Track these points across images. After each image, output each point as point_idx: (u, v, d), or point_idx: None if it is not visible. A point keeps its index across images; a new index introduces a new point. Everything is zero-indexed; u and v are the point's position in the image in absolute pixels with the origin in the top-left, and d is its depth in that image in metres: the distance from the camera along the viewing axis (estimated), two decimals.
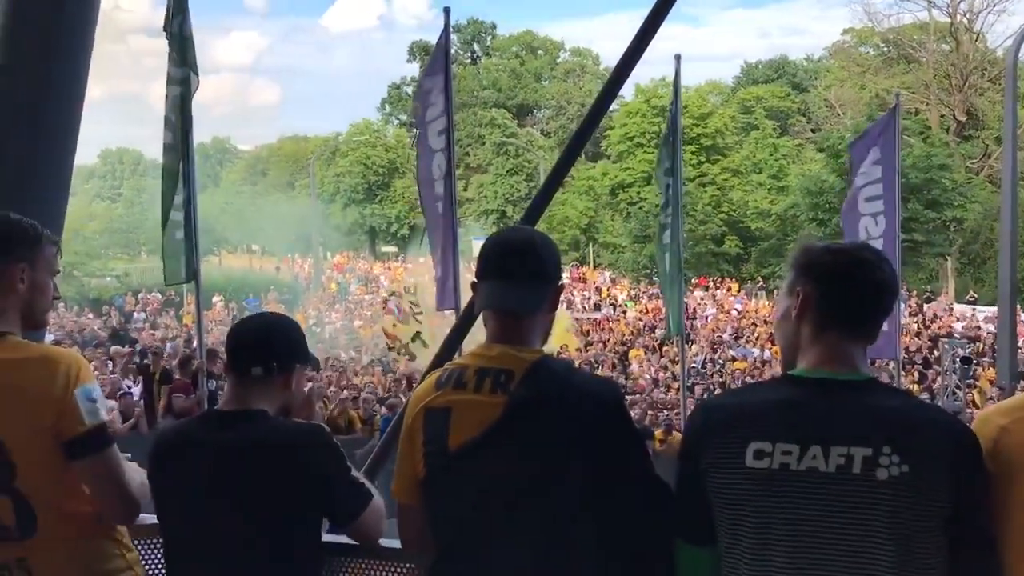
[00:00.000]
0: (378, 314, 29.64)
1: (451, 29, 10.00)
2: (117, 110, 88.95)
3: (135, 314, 30.36)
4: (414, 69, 65.61)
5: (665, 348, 25.01)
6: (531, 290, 1.97)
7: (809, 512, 1.64)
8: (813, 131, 52.01)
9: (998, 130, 34.16)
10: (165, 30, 8.40)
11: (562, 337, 25.00)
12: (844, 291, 1.78)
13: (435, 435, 1.94)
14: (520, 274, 1.96)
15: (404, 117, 66.69)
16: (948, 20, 44.07)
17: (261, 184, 66.10)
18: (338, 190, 56.90)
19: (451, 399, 1.94)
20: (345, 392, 13.15)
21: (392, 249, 49.43)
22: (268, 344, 2.21)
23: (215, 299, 31.02)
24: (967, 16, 43.97)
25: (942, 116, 42.99)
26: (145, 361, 12.91)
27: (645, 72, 50.27)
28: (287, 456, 2.06)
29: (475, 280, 2.04)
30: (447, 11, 10.14)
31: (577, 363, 24.61)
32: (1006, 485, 1.65)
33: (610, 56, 66.00)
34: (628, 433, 1.92)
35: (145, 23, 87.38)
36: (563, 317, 32.41)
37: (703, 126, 44.73)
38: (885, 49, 47.08)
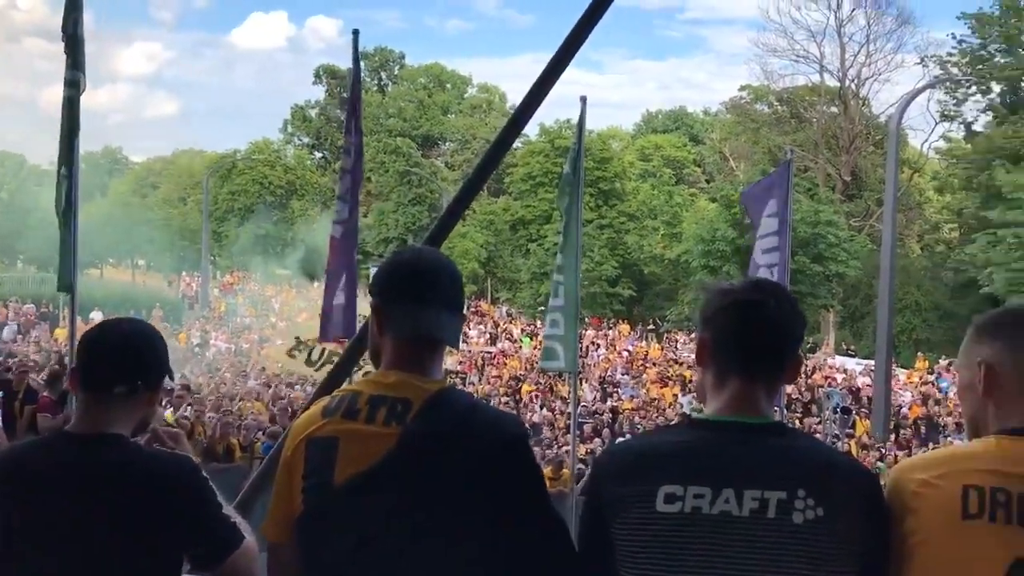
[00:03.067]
0: (267, 337, 28.82)
1: (360, 57, 9.85)
2: (3, 113, 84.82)
3: (6, 326, 28.69)
4: (320, 92, 65.01)
5: (557, 385, 25.12)
6: (449, 317, 1.86)
7: (722, 557, 1.57)
8: (707, 181, 53.75)
9: (879, 192, 35.97)
10: (63, 31, 7.99)
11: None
12: (735, 337, 1.72)
13: (318, 468, 1.77)
14: (439, 299, 1.84)
15: (307, 139, 65.83)
16: (838, 84, 46.39)
17: (151, 197, 63.87)
18: (232, 208, 55.49)
19: (339, 429, 1.78)
20: (226, 418, 12.59)
21: (286, 272, 48.39)
22: (135, 358, 1.97)
23: (93, 314, 29.58)
24: (855, 82, 46.40)
25: (828, 175, 45.03)
26: (8, 376, 12.03)
27: (550, 113, 51.10)
28: (150, 490, 1.83)
29: (376, 302, 1.89)
30: (355, 33, 10.02)
31: None
32: (914, 543, 1.61)
33: (517, 95, 66.81)
34: (531, 470, 1.81)
35: (42, 25, 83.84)
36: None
37: (603, 170, 45.63)
38: (779, 107, 49.15)
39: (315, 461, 1.78)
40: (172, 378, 2.14)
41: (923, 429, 22.20)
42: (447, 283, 1.87)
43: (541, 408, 22.43)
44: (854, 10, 45.44)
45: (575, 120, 12.10)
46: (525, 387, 25.78)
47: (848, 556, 1.58)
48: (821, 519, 1.57)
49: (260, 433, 12.07)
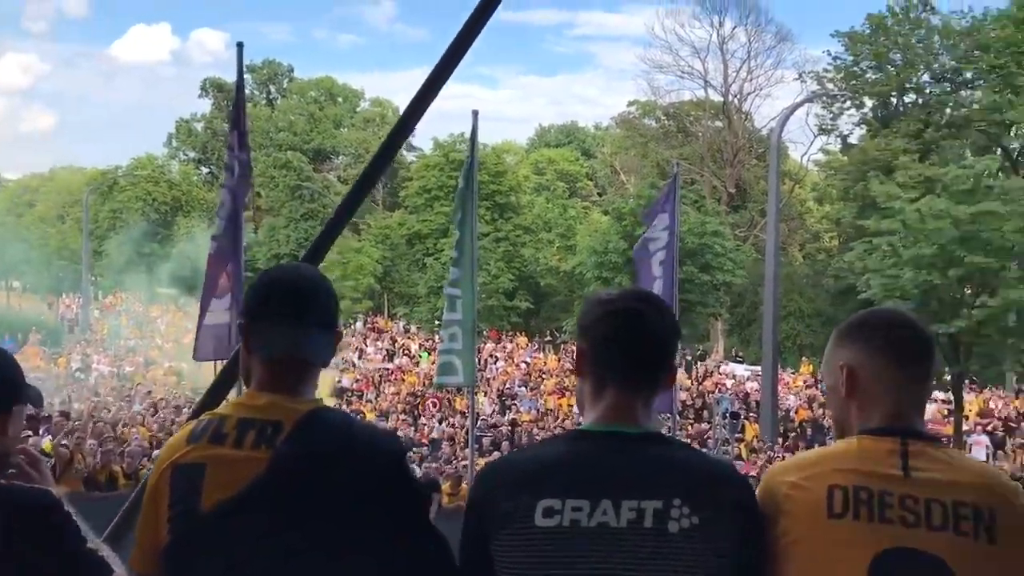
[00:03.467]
0: (152, 359, 27.76)
1: (246, 69, 9.64)
2: None
3: None
4: (206, 105, 63.33)
5: (456, 399, 25.03)
6: (323, 336, 1.80)
7: (601, 569, 1.56)
8: (599, 194, 54.73)
9: (763, 203, 37.27)
10: None
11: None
12: (612, 346, 1.72)
13: (184, 495, 1.68)
14: (311, 318, 1.78)
15: (192, 153, 63.99)
16: (722, 99, 48.00)
17: (27, 216, 60.86)
18: (114, 226, 53.36)
19: (206, 454, 1.69)
20: (107, 445, 12.04)
21: (171, 291, 46.76)
22: None
23: None
24: (738, 97, 48.12)
25: (715, 187, 46.47)
26: None
27: (443, 127, 51.21)
28: (4, 527, 1.71)
29: (246, 320, 1.81)
30: (240, 46, 9.81)
31: (368, 414, 24.17)
32: (786, 544, 1.64)
33: None
34: (410, 490, 1.77)
35: None
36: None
37: (498, 184, 45.91)
38: (666, 122, 50.49)
39: (181, 489, 1.69)
40: (35, 404, 2.01)
41: (809, 431, 23.06)
42: (322, 301, 1.81)
43: (440, 423, 22.31)
44: (735, 27, 47.24)
45: (469, 134, 12.16)
46: (423, 402, 25.61)
47: (723, 564, 1.59)
48: (697, 527, 1.58)
49: (145, 459, 11.58)
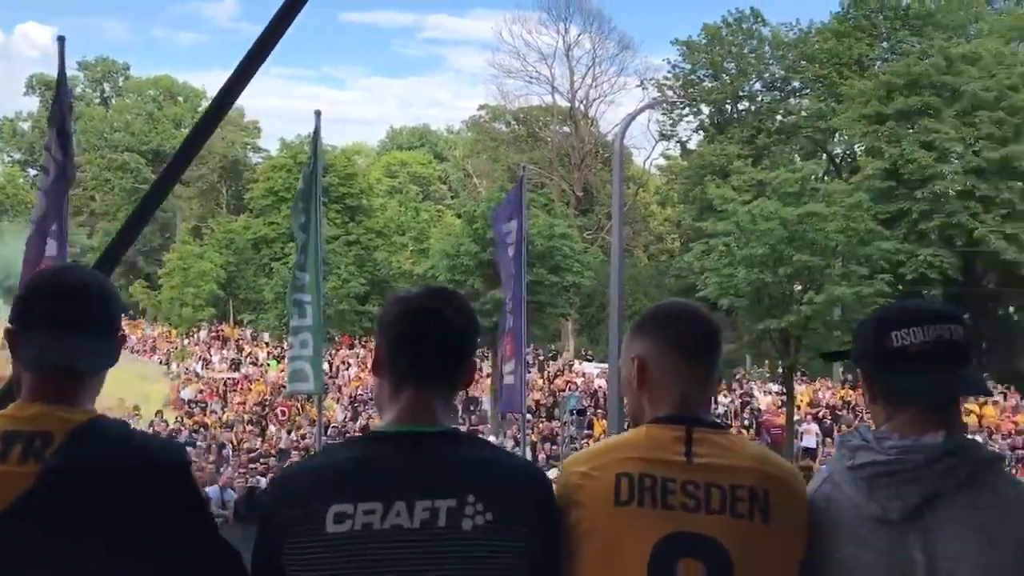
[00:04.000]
0: None
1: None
2: None
3: None
4: (33, 103, 59.47)
5: (307, 407, 24.47)
6: (97, 342, 1.69)
7: (397, 571, 1.55)
8: (452, 197, 54.86)
9: (609, 206, 38.31)
10: None
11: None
12: (410, 345, 1.71)
13: None
14: (80, 323, 1.66)
15: (18, 154, 59.96)
16: (568, 105, 49.05)
17: None
18: None
19: None
20: None
21: None
22: None
23: None
24: (584, 103, 49.31)
25: (563, 191, 47.44)
26: None
27: (291, 128, 50.03)
28: None
29: (10, 327, 1.69)
30: (61, 41, 9.22)
31: (212, 427, 23.25)
32: (580, 533, 1.68)
33: (253, 108, 64.68)
34: (194, 499, 1.69)
35: None
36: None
37: (349, 186, 45.23)
38: (516, 126, 51.16)
39: None
40: None
41: None
42: (93, 304, 1.70)
43: (289, 433, 21.75)
44: (580, 34, 48.40)
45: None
46: (272, 412, 24.91)
47: (520, 562, 1.60)
48: (491, 524, 1.58)
49: None
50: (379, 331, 1.76)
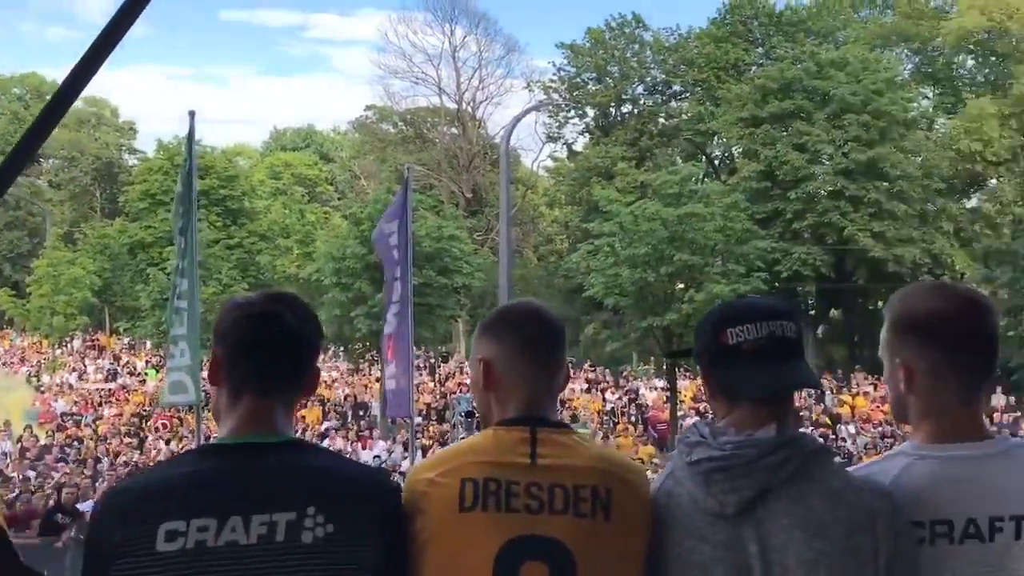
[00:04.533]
0: None
1: None
2: None
3: None
4: None
5: (188, 418, 23.64)
6: None
7: None
8: (339, 199, 54.04)
9: (498, 207, 38.48)
10: None
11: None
12: (248, 351, 1.66)
13: None
14: None
15: None
16: (456, 106, 49.05)
17: None
18: None
19: None
20: None
21: None
22: None
23: None
24: (471, 105, 49.39)
25: (452, 192, 47.41)
26: None
27: (170, 129, 48.38)
28: None
29: None
30: None
31: (87, 440, 22.18)
32: (423, 541, 1.65)
33: (129, 107, 62.31)
34: None
35: None
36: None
37: (230, 188, 43.99)
38: (403, 127, 50.84)
39: None
40: None
41: None
42: None
43: (167, 444, 20.97)
44: (466, 36, 48.44)
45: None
46: (151, 422, 23.98)
47: (362, 571, 1.57)
48: (332, 535, 1.55)
49: None
50: (215, 339, 1.70)
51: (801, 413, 23.99)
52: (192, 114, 11.49)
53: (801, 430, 1.74)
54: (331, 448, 21.08)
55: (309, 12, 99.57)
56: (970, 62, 39.67)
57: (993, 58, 38.12)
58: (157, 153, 47.27)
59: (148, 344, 39.62)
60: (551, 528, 1.63)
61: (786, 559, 1.59)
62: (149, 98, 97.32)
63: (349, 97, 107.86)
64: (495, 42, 48.82)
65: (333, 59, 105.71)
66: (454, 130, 49.66)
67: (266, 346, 1.66)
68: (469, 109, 49.19)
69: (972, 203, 37.44)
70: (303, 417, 25.07)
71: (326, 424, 23.76)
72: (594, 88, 42.90)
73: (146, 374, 32.56)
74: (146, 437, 22.74)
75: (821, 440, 1.70)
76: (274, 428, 1.65)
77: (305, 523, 1.54)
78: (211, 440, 1.71)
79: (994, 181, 36.28)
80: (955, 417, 1.70)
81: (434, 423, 24.38)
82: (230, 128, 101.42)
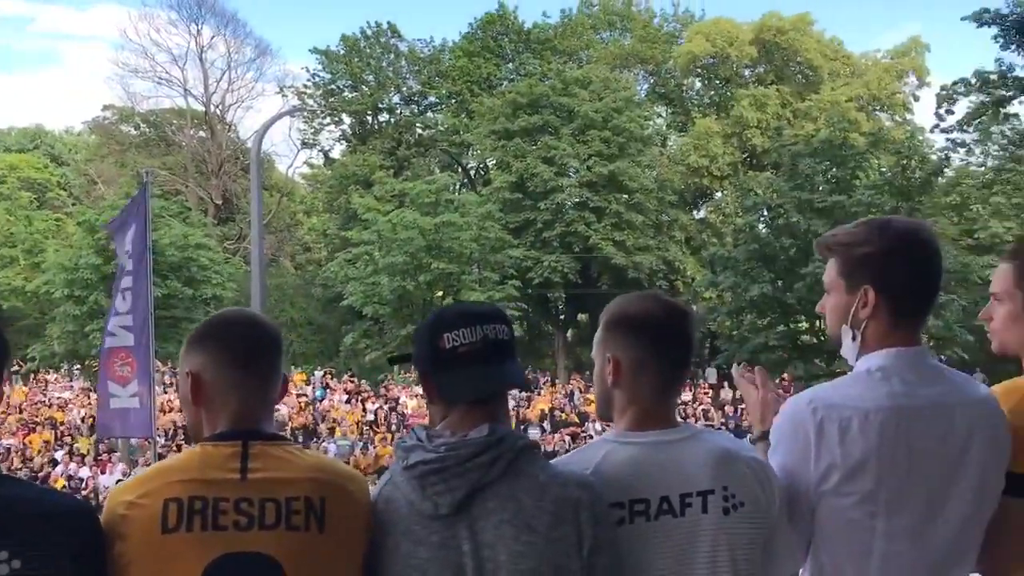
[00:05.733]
0: None
1: None
2: None
3: None
4: None
5: None
6: None
7: None
8: (73, 205, 49.82)
9: (250, 214, 37.15)
10: None
11: None
12: None
13: None
14: None
15: None
16: (203, 109, 46.78)
17: None
18: None
19: None
20: None
21: None
22: None
23: None
24: (220, 108, 47.31)
25: (201, 199, 45.18)
26: None
27: None
28: None
29: None
30: None
31: None
32: (123, 567, 1.57)
33: None
34: None
35: None
36: None
37: None
38: (146, 129, 47.81)
39: None
40: None
41: (301, 437, 23.51)
42: None
43: None
44: (214, 37, 46.36)
45: None
46: None
47: None
48: (19, 571, 1.47)
49: None
50: None
51: (554, 412, 25.09)
52: None
53: (513, 428, 1.81)
54: (72, 474, 19.38)
55: (37, 3, 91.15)
56: (698, 84, 43.32)
57: (717, 81, 41.87)
58: None
59: None
60: (261, 543, 1.59)
61: (497, 555, 1.64)
62: None
63: (84, 96, 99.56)
64: (245, 44, 47.11)
65: (66, 55, 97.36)
66: (202, 133, 47.33)
67: None
68: (218, 112, 47.11)
69: (701, 214, 40.91)
70: (30, 442, 22.88)
71: (60, 451, 21.79)
72: (350, 95, 42.55)
73: None
74: None
75: (529, 437, 1.80)
76: None
77: None
78: None
79: (719, 194, 39.83)
80: (653, 406, 1.86)
81: (179, 443, 23.06)
82: None
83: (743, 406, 25.58)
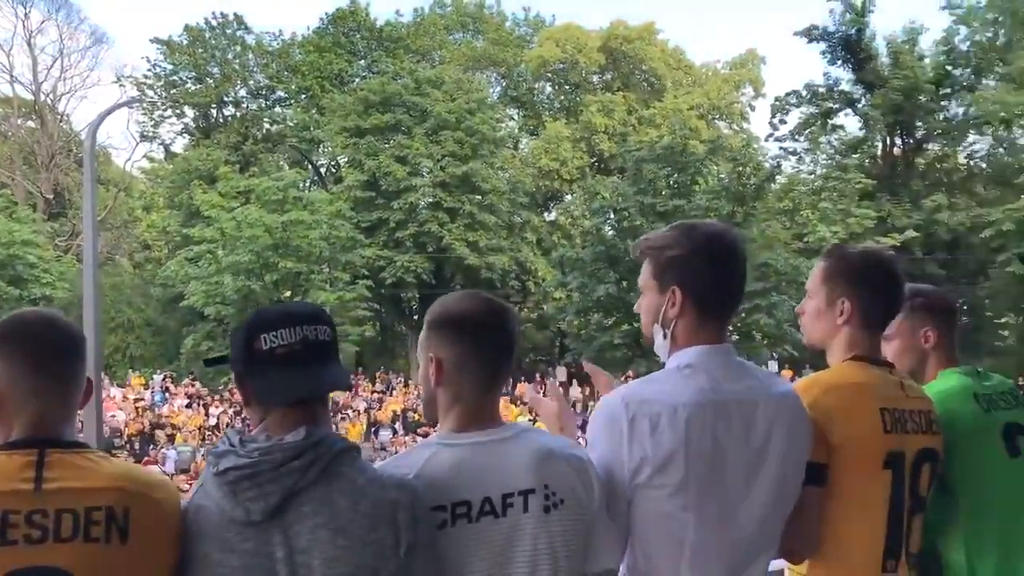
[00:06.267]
0: None
1: None
2: None
3: None
4: None
5: None
6: None
7: None
8: None
9: (84, 210, 35.10)
10: None
11: None
12: None
13: None
14: None
15: None
16: (32, 98, 43.90)
17: None
18: None
19: None
20: None
21: None
22: None
23: None
24: (51, 97, 44.48)
25: (29, 193, 42.37)
26: None
27: None
28: None
29: None
30: None
31: None
32: None
33: None
34: None
35: None
36: None
37: None
38: None
39: None
40: None
41: (138, 445, 22.42)
42: None
43: None
44: (44, 22, 43.62)
45: None
46: None
47: None
48: None
49: None
50: None
51: (407, 413, 24.93)
52: None
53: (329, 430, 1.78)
54: None
55: None
56: (548, 88, 44.15)
57: (567, 87, 42.79)
58: None
59: None
60: (56, 557, 1.51)
61: (311, 560, 1.61)
62: None
63: None
64: (79, 31, 44.62)
65: None
66: (31, 123, 44.37)
67: None
68: (49, 101, 44.27)
69: (552, 216, 41.71)
70: None
71: None
72: (193, 88, 40.89)
73: None
74: None
75: (347, 439, 1.76)
76: None
77: None
78: None
79: (569, 196, 40.73)
80: (477, 405, 1.86)
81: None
82: None
83: (593, 403, 26.26)
